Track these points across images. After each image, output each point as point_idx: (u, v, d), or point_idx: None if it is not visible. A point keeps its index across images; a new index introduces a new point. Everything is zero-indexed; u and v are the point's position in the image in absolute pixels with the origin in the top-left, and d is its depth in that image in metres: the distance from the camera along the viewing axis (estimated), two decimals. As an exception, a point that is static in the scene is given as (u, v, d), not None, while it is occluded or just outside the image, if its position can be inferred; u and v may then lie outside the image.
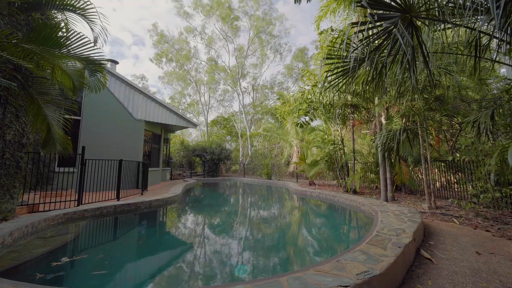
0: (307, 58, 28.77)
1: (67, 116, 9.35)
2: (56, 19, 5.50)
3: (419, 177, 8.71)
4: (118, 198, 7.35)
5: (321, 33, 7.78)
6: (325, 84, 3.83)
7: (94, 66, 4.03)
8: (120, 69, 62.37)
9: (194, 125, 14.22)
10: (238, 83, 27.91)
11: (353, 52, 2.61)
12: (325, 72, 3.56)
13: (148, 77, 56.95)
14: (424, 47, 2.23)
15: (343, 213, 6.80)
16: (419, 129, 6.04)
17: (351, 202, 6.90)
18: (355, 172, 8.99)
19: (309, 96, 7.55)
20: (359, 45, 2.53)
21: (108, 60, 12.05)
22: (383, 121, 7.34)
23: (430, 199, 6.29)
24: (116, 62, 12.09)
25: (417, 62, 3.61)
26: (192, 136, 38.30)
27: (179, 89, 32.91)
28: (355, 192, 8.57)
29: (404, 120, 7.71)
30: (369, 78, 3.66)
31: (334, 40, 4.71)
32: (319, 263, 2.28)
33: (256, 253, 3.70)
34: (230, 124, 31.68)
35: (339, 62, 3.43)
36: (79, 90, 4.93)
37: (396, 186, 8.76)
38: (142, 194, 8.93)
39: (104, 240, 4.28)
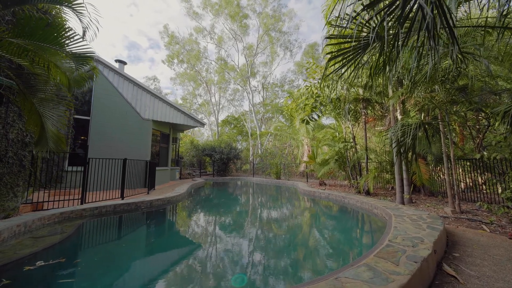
0: (318, 54, 27.92)
1: (78, 116, 9.53)
2: (59, 17, 5.48)
3: (440, 177, 7.91)
4: (122, 197, 7.32)
5: (329, 23, 7.25)
6: (329, 72, 3.39)
7: (81, 59, 3.86)
8: (136, 72, 64.52)
9: (202, 124, 14.12)
10: (248, 82, 27.66)
11: (355, 17, 2.17)
12: (327, 54, 3.13)
13: (162, 79, 58.31)
14: (447, 11, 1.76)
15: (352, 217, 6.24)
16: (440, 124, 5.37)
17: (362, 204, 6.33)
18: (368, 172, 8.35)
19: (316, 91, 7.07)
20: (361, 11, 2.09)
21: (117, 60, 12.24)
22: (399, 116, 6.68)
23: (453, 202, 5.59)
24: (124, 63, 12.25)
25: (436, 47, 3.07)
26: (204, 136, 38.62)
27: (191, 90, 33.28)
28: (368, 193, 7.94)
29: (423, 114, 6.99)
30: (379, 64, 3.19)
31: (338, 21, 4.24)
32: (313, 280, 1.89)
33: (248, 262, 3.35)
34: (241, 124, 31.53)
35: (344, 42, 2.99)
36: (74, 88, 4.84)
37: (414, 187, 8.02)
38: (148, 193, 8.89)
39: (93, 242, 4.11)
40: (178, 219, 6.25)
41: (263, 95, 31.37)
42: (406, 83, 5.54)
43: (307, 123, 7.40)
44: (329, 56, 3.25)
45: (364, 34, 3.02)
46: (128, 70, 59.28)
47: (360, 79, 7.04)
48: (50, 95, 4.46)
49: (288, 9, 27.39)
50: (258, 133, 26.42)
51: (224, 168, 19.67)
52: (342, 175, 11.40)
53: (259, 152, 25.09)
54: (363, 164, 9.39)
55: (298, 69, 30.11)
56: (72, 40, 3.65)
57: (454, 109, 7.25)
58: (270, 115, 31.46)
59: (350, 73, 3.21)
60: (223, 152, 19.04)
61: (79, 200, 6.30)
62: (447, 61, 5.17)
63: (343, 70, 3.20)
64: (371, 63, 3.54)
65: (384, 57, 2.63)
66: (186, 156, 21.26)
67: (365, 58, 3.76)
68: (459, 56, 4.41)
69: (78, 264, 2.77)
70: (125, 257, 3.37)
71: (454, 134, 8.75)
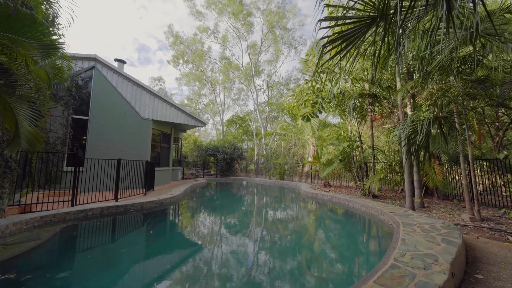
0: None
1: (76, 116, 9.24)
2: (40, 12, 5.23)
3: (455, 179, 7.20)
4: (116, 198, 7.09)
5: (331, 13, 6.73)
6: (324, 61, 2.93)
7: (49, 50, 3.54)
8: (146, 73, 65.33)
9: (203, 124, 13.85)
10: (252, 81, 27.27)
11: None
12: (321, 38, 2.67)
13: (171, 80, 58.79)
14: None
15: (355, 225, 5.61)
16: (455, 118, 4.76)
17: (367, 209, 5.76)
18: (375, 173, 7.74)
19: (317, 86, 6.55)
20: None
21: (116, 59, 12.10)
22: (409, 112, 6.07)
23: (472, 207, 4.96)
24: (123, 62, 12.10)
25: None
26: (211, 136, 38.46)
27: (196, 90, 33.24)
28: (374, 196, 7.34)
29: (436, 110, 6.35)
30: (383, 47, 2.70)
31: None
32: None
33: (227, 277, 2.93)
34: (246, 123, 31.19)
35: (340, 25, 2.53)
36: (56, 83, 4.57)
37: (426, 189, 7.36)
38: (145, 194, 8.66)
39: (61, 252, 3.70)
40: (164, 224, 5.78)
41: (268, 94, 30.91)
42: (417, 74, 4.96)
43: (308, 120, 6.89)
44: (322, 41, 2.79)
45: (365, 13, 2.55)
46: (138, 72, 60.18)
47: (365, 73, 6.48)
48: (26, 92, 4.21)
49: (291, 5, 26.70)
50: (263, 132, 25.99)
51: (228, 168, 19.35)
52: (348, 176, 10.79)
53: (264, 152, 24.66)
54: (370, 164, 8.78)
55: (304, 67, 29.45)
56: (40, 30, 3.34)
57: (471, 104, 6.56)
58: (275, 114, 30.95)
59: (349, 59, 2.73)
60: (226, 152, 18.73)
61: (69, 202, 6.10)
62: (465, 48, 4.56)
63: (341, 55, 2.72)
64: (377, 47, 3.04)
65: (387, 29, 2.14)
66: (190, 156, 21.10)
67: (364, 47, 3.28)
68: (481, 40, 3.81)
69: (22, 283, 2.41)
70: (86, 274, 2.93)
71: (470, 133, 8.01)
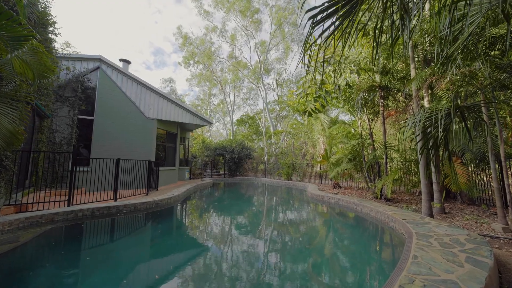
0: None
1: (81, 116, 9.27)
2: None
3: (483, 180, 6.29)
4: (115, 198, 6.99)
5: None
6: (314, 39, 2.42)
7: (18, 42, 3.30)
8: (161, 76, 66.96)
9: (209, 123, 13.65)
10: (261, 80, 26.84)
11: None
12: (308, 11, 2.18)
13: (184, 82, 59.72)
14: None
15: (359, 234, 4.85)
16: (483, 109, 4.02)
17: (377, 214, 5.09)
18: (388, 173, 6.99)
19: (320, 77, 5.97)
20: None
21: (121, 60, 12.16)
22: (426, 105, 5.32)
23: (506, 215, 4.17)
24: (128, 62, 12.16)
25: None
26: (223, 136, 38.47)
27: (206, 90, 33.41)
28: (387, 199, 6.61)
29: (459, 101, 5.54)
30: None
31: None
32: None
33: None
34: (256, 123, 30.82)
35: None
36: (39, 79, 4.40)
37: (448, 192, 6.51)
38: (147, 194, 8.54)
39: (31, 259, 3.37)
40: (153, 227, 5.36)
41: (278, 92, 30.31)
42: (435, 60, 4.25)
43: (310, 115, 6.33)
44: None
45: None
46: (153, 74, 61.80)
47: (375, 62, 5.80)
48: (9, 89, 4.08)
49: (301, -1, 25.97)
50: (272, 132, 25.47)
51: (236, 168, 19.07)
52: (360, 177, 10.02)
53: (274, 151, 24.13)
54: (383, 164, 8.00)
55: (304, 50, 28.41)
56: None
57: (502, 96, 5.66)
58: (285, 113, 30.27)
59: (345, 27, 2.21)
60: (234, 152, 18.46)
61: (66, 202, 6.04)
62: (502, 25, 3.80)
63: (336, 23, 2.21)
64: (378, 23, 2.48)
65: None
66: (200, 156, 21.10)
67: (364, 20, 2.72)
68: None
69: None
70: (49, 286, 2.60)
71: (502, 124, 6.99)
